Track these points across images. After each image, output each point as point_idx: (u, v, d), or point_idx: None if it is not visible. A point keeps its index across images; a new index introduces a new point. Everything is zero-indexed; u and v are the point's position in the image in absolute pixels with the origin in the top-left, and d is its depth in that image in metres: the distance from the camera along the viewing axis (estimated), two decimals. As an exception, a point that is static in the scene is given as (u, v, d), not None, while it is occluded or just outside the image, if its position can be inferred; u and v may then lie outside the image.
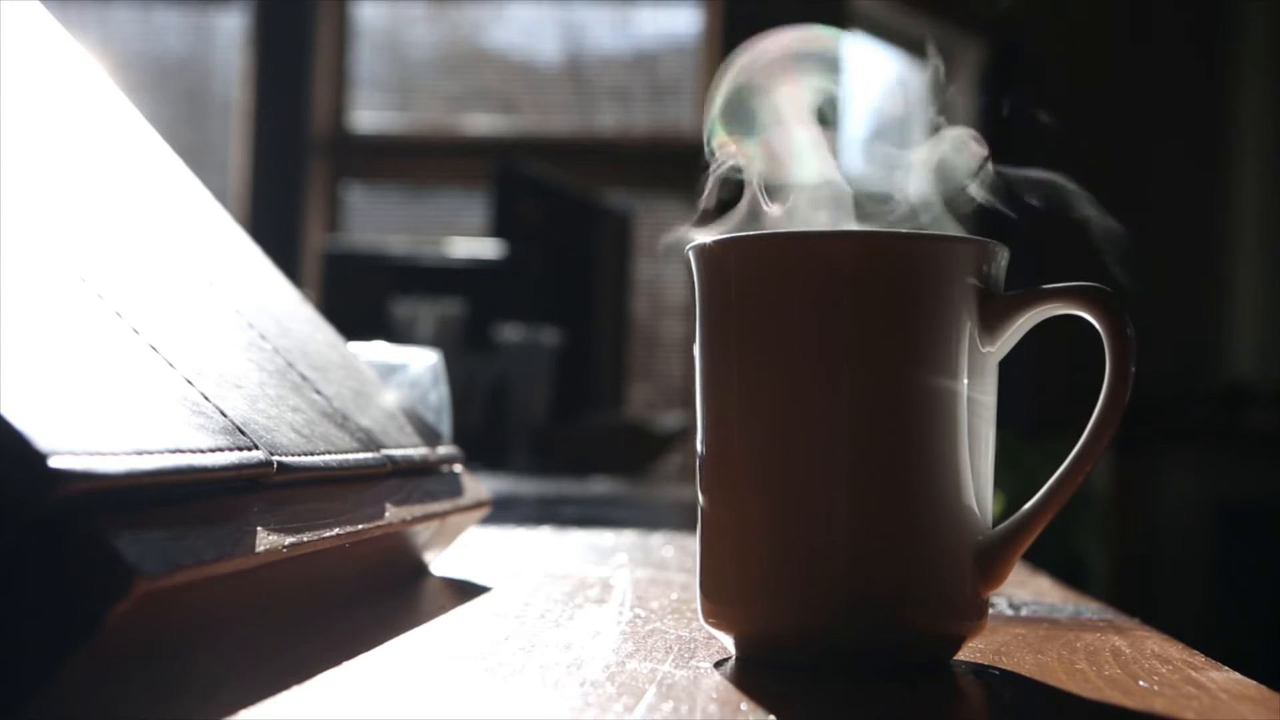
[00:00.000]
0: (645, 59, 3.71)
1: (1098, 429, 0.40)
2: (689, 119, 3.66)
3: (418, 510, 0.53)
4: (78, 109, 0.54)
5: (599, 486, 1.55)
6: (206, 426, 0.38)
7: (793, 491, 0.40)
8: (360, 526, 0.46)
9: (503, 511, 0.93)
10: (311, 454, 0.45)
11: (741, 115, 0.44)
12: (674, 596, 0.55)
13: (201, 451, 0.36)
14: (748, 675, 0.39)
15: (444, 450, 0.63)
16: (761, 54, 0.43)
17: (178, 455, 0.35)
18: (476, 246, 2.71)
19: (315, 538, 0.41)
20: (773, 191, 0.44)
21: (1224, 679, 0.40)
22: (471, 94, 3.73)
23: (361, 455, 0.50)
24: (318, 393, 0.52)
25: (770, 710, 0.34)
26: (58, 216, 0.43)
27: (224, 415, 0.40)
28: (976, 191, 0.43)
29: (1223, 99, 3.54)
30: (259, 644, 0.40)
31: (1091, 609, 0.55)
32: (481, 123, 3.69)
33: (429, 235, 3.42)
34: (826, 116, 0.43)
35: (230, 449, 0.38)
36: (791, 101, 0.43)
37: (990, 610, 0.44)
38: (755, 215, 0.44)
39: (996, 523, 0.42)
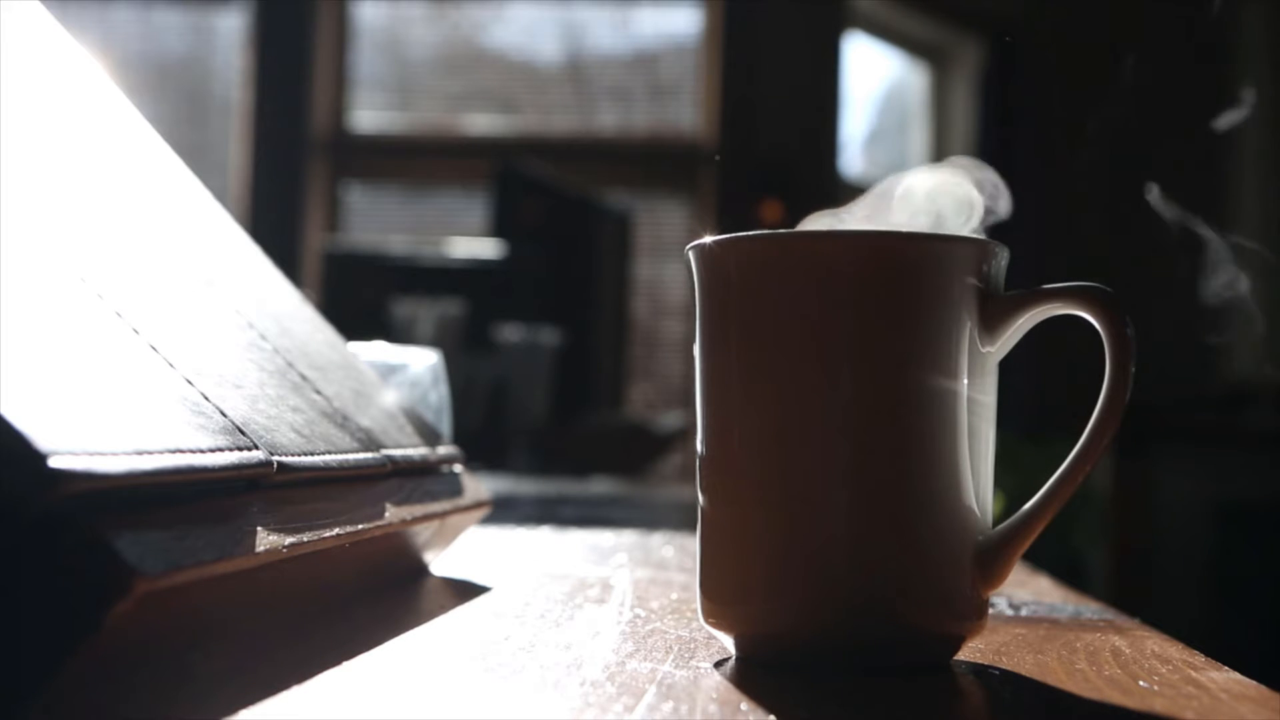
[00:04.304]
0: (645, 59, 3.71)
1: (1097, 429, 0.40)
2: (689, 119, 3.66)
3: (418, 510, 0.53)
4: (78, 109, 0.54)
5: (599, 486, 1.55)
6: (206, 426, 0.38)
7: (793, 491, 0.40)
8: (360, 526, 0.46)
9: (503, 511, 0.93)
10: (311, 454, 0.45)
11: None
12: (674, 596, 0.55)
13: (201, 451, 0.36)
14: (748, 675, 0.39)
15: (444, 450, 0.63)
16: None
17: (178, 455, 0.35)
18: (476, 246, 2.71)
19: (315, 538, 0.41)
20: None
21: (1224, 679, 0.40)
22: (471, 94, 3.73)
23: (361, 455, 0.50)
24: (318, 393, 0.52)
25: (770, 710, 0.34)
26: (58, 216, 0.43)
27: (224, 415, 0.40)
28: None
29: (1222, 98, 3.53)
30: (259, 644, 0.40)
31: (1091, 609, 0.55)
32: (481, 123, 3.69)
33: (429, 235, 3.42)
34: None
35: (230, 449, 0.38)
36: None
37: (990, 610, 0.44)
38: None
39: (996, 523, 0.42)
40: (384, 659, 0.39)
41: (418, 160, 3.68)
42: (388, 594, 0.53)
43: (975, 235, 0.42)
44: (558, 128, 3.70)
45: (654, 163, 3.64)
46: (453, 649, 0.42)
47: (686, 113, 3.67)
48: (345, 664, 0.38)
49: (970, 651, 0.43)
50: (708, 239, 0.42)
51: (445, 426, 0.70)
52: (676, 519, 1.01)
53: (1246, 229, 3.48)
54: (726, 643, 0.42)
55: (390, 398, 0.62)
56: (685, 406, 3.20)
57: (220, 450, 0.37)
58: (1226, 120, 0.44)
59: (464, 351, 1.99)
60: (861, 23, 3.68)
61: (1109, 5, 3.49)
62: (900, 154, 4.00)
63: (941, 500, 0.40)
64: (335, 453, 0.47)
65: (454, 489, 0.61)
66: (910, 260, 0.40)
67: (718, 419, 0.42)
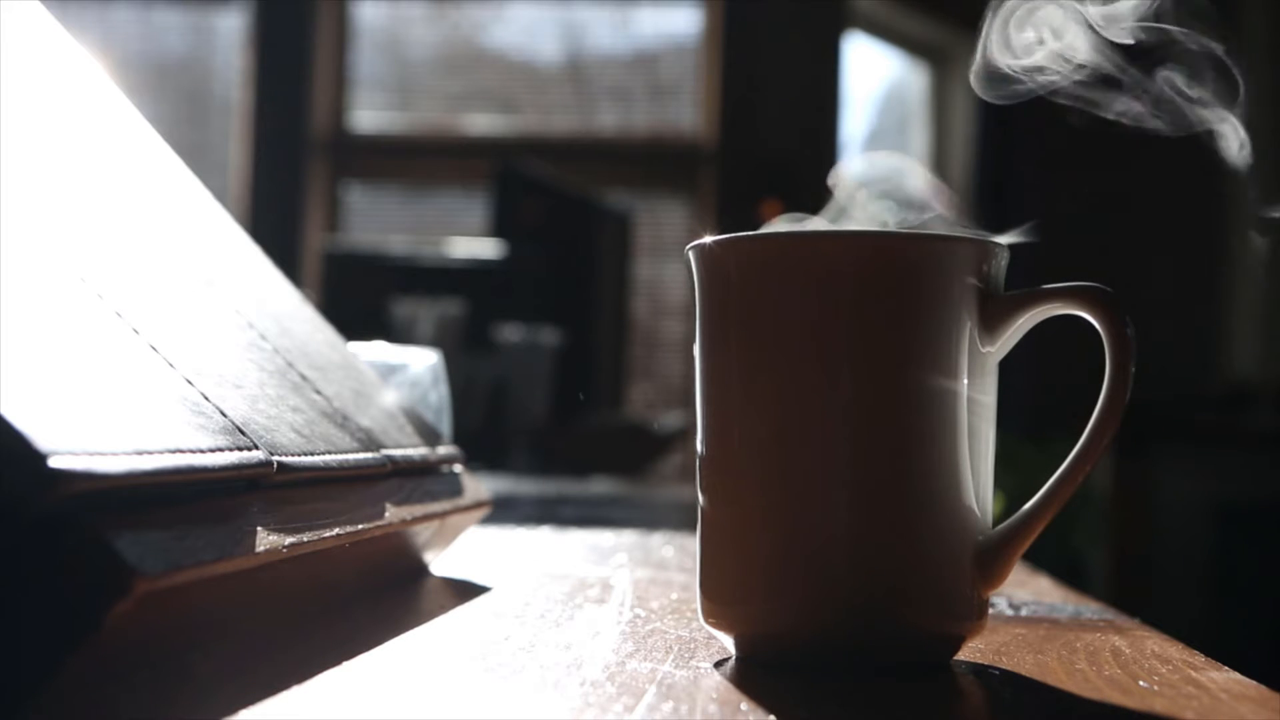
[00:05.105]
0: (645, 59, 3.70)
1: (1097, 429, 0.40)
2: (689, 119, 3.66)
3: (418, 510, 0.53)
4: (78, 109, 0.54)
5: (599, 486, 1.55)
6: (206, 426, 0.38)
7: (793, 491, 0.40)
8: (360, 526, 0.46)
9: (503, 511, 0.93)
10: (311, 454, 0.45)
11: None
12: (674, 596, 0.55)
13: (201, 451, 0.36)
14: (748, 675, 0.39)
15: (444, 450, 0.63)
16: None
17: (178, 455, 0.35)
18: (476, 246, 2.71)
19: (315, 538, 0.41)
20: None
21: (1224, 679, 0.40)
22: (471, 94, 3.73)
23: (361, 455, 0.50)
24: (318, 393, 0.52)
25: (770, 710, 0.34)
26: (58, 216, 0.43)
27: (224, 415, 0.40)
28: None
29: (1221, 97, 3.53)
30: (259, 644, 0.40)
31: (1091, 609, 0.55)
32: (481, 123, 3.69)
33: (429, 235, 3.42)
34: None
35: (230, 449, 0.38)
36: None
37: (990, 610, 0.44)
38: None
39: (996, 523, 0.42)
40: (384, 659, 0.39)
41: (418, 160, 3.68)
42: (388, 594, 0.53)
43: (977, 235, 0.42)
44: (558, 128, 3.70)
45: (654, 163, 3.64)
46: (453, 649, 0.42)
47: (686, 113, 3.67)
48: (345, 664, 0.38)
49: (970, 651, 0.43)
50: (708, 239, 0.42)
51: (445, 426, 0.70)
52: (676, 519, 1.01)
53: (1247, 229, 3.48)
54: (726, 643, 0.42)
55: (390, 398, 0.62)
56: (685, 406, 3.19)
57: (220, 450, 0.37)
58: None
59: (464, 351, 1.99)
60: (861, 23, 3.68)
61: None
62: (900, 154, 4.00)
63: (941, 500, 0.40)
64: (335, 453, 0.47)
65: (454, 489, 0.61)
66: (910, 260, 0.40)
67: (718, 419, 0.42)
